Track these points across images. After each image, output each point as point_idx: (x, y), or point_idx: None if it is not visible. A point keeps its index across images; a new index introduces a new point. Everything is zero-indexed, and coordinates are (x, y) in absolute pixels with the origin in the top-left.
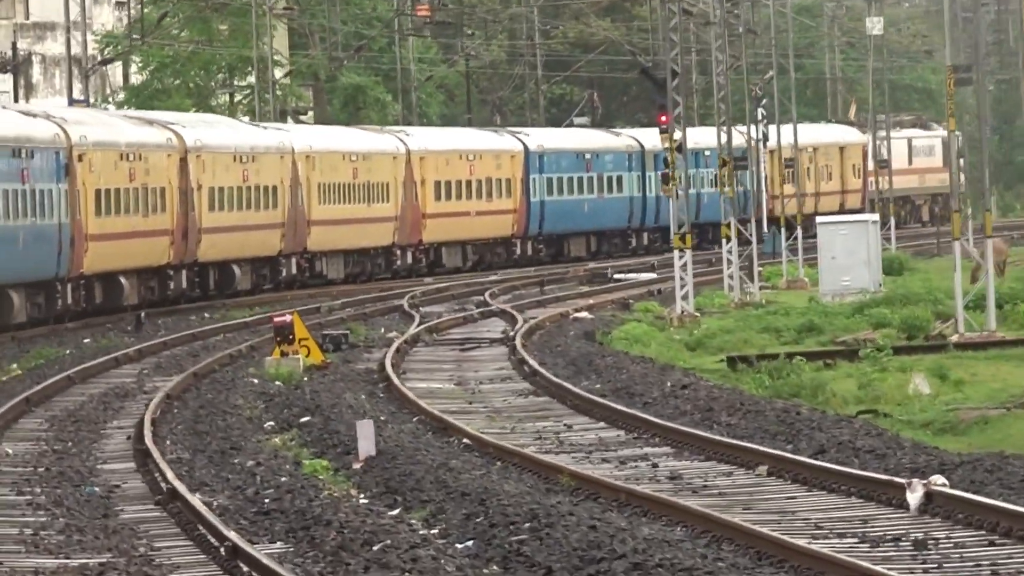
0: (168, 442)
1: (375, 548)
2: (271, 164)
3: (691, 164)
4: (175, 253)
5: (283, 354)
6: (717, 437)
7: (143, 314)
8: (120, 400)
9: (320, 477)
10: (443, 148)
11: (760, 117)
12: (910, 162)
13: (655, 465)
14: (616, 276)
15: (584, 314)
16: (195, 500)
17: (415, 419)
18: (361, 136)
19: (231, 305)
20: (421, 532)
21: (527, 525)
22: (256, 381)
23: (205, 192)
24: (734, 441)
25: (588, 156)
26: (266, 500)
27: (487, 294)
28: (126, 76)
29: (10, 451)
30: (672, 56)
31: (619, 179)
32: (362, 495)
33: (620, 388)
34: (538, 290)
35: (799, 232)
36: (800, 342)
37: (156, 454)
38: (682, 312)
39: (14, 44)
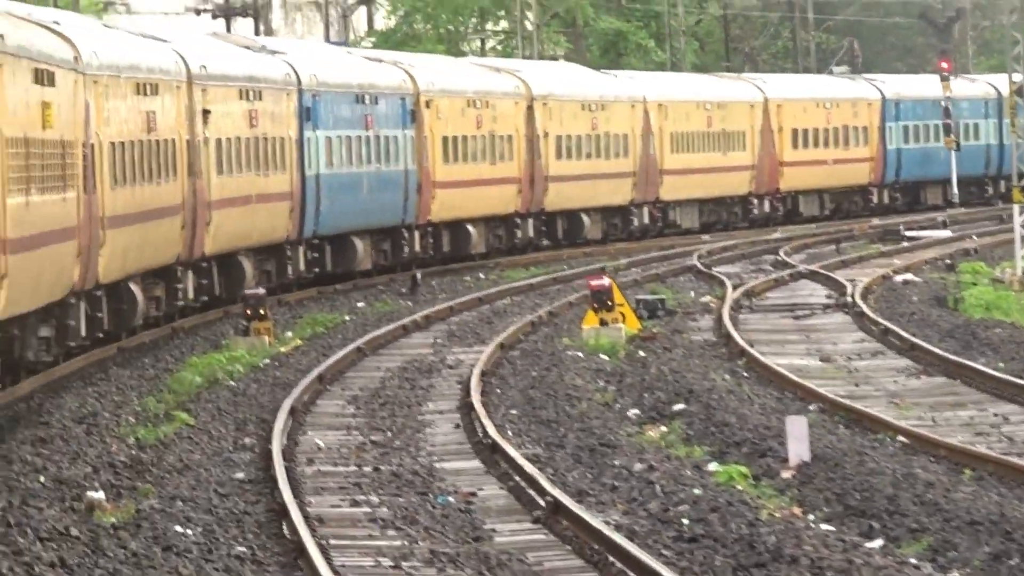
0: (510, 432)
1: None
2: (621, 113)
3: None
4: (522, 201)
5: (602, 322)
6: None
7: (419, 274)
8: (424, 376)
9: (739, 488)
10: (800, 96)
11: None
12: None
13: None
14: (907, 233)
15: (910, 276)
16: (594, 520)
17: (812, 407)
18: (716, 84)
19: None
20: None
21: None
22: (581, 355)
23: (552, 140)
24: None
25: (943, 103)
26: (684, 521)
27: (782, 252)
28: (370, 21)
29: (321, 443)
30: None
31: (976, 127)
32: (812, 516)
33: None
34: (833, 248)
35: None
36: None
37: (511, 451)
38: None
39: None
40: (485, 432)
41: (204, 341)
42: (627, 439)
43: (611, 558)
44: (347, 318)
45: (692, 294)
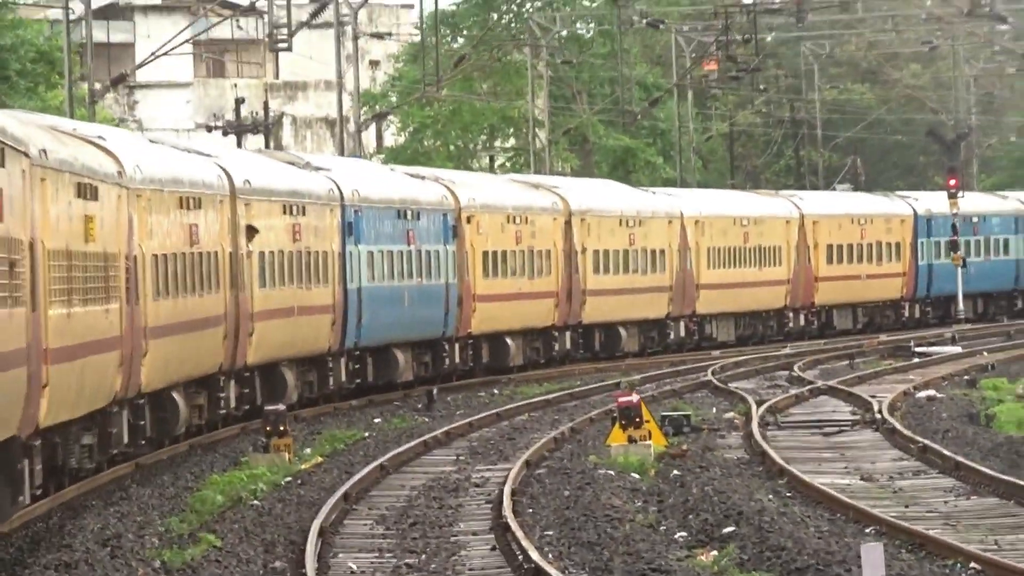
0: (550, 556)
1: None
2: (658, 228)
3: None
4: (559, 315)
5: (630, 439)
6: None
7: (435, 390)
8: (451, 495)
9: None
10: (836, 212)
11: None
12: None
13: None
14: (917, 349)
15: (932, 392)
16: None
17: (868, 530)
18: (752, 200)
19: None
20: None
21: None
22: (612, 472)
23: (590, 255)
24: None
25: (975, 220)
26: None
27: (796, 367)
28: (379, 137)
29: (354, 567)
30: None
31: (1006, 242)
32: None
33: None
34: (846, 364)
35: None
36: None
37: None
38: None
39: (266, 104)
40: (526, 555)
41: (223, 458)
42: (678, 564)
43: None
44: (366, 434)
45: (714, 410)
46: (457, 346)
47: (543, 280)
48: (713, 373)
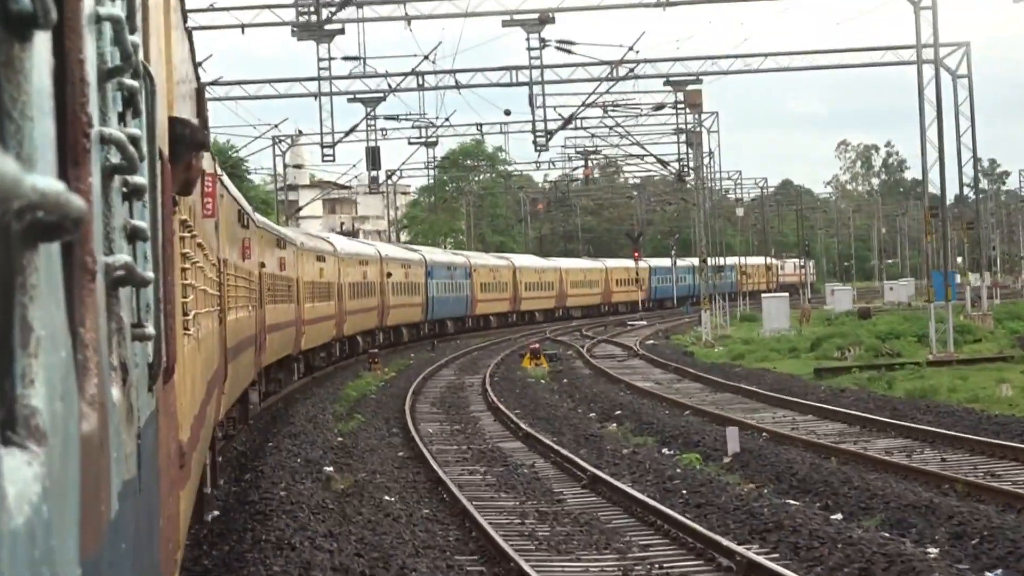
0: (525, 426)
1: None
2: (549, 272)
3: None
4: (511, 306)
5: (535, 364)
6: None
7: (436, 341)
8: (459, 390)
9: (698, 467)
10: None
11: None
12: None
13: None
14: (630, 323)
15: (652, 341)
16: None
17: (686, 412)
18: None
19: None
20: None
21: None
22: (532, 379)
23: (523, 284)
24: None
25: (656, 269)
26: (683, 492)
27: (582, 331)
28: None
29: (431, 430)
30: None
31: (687, 276)
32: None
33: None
34: (602, 329)
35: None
36: (798, 356)
37: (544, 438)
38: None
39: (353, 227)
40: (517, 426)
41: (352, 374)
42: (600, 430)
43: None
44: (411, 362)
45: (560, 350)
46: (471, 320)
47: (508, 293)
48: (551, 332)
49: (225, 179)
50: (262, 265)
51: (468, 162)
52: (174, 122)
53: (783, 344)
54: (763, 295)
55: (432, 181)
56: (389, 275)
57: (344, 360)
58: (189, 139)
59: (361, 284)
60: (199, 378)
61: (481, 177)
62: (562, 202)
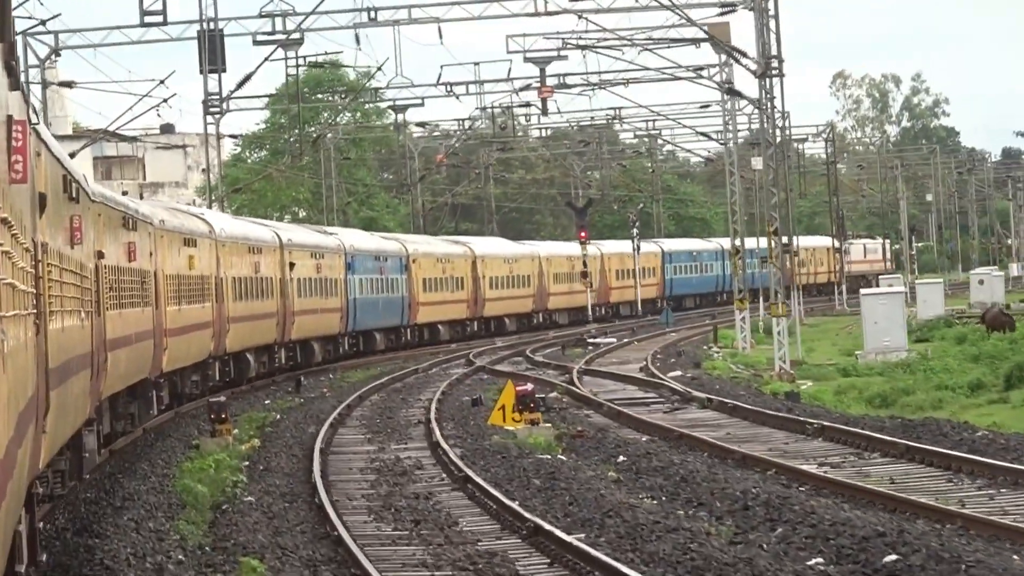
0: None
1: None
2: (525, 263)
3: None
4: (470, 311)
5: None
6: None
7: (302, 377)
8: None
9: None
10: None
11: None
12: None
13: None
14: (591, 341)
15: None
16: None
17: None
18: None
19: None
20: None
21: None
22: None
23: (487, 279)
24: None
25: (697, 252)
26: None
27: (527, 351)
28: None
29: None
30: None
31: (711, 265)
32: None
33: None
34: (559, 349)
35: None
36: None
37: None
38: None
39: (140, 195)
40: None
41: (179, 440)
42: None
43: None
44: (276, 416)
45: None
46: (409, 331)
47: (459, 293)
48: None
49: (43, 131)
50: (100, 255)
51: (318, 96)
52: None
53: (939, 376)
54: (862, 292)
55: (268, 124)
56: (292, 266)
57: (225, 387)
58: None
59: (252, 280)
60: (1, 408)
61: (343, 119)
62: (471, 152)
